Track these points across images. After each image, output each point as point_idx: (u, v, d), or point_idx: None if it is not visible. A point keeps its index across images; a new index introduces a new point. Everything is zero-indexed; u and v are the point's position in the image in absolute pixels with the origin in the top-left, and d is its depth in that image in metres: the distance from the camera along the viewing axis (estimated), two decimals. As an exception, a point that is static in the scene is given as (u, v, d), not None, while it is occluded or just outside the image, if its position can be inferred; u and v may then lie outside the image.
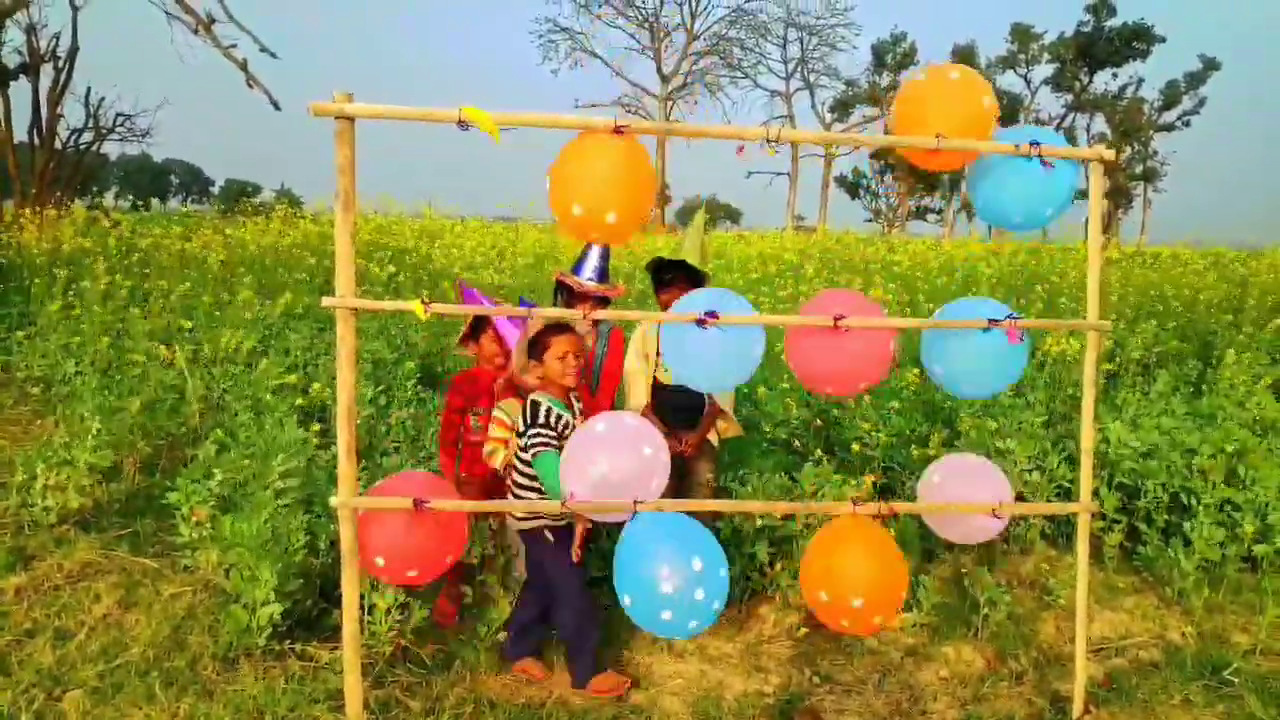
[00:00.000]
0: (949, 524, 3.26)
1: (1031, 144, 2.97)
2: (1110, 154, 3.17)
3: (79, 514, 4.62)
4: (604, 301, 4.13)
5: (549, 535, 3.44)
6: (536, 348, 3.41)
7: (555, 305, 4.09)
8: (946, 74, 3.10)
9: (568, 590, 3.47)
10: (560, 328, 3.40)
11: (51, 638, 3.55)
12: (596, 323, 4.20)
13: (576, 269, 4.13)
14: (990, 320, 3.04)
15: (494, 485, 3.89)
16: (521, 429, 3.38)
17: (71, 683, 3.27)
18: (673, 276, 3.97)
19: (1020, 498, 4.63)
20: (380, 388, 5.83)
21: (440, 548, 2.98)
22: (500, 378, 3.85)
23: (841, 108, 49.46)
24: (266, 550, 3.56)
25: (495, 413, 3.78)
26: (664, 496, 3.98)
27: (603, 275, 4.11)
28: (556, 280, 4.18)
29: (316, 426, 4.84)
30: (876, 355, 3.03)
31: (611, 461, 2.82)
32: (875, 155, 46.42)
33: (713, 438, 4.12)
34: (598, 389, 4.21)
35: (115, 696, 3.19)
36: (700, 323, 2.94)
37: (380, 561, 2.94)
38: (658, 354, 4.06)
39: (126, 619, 3.75)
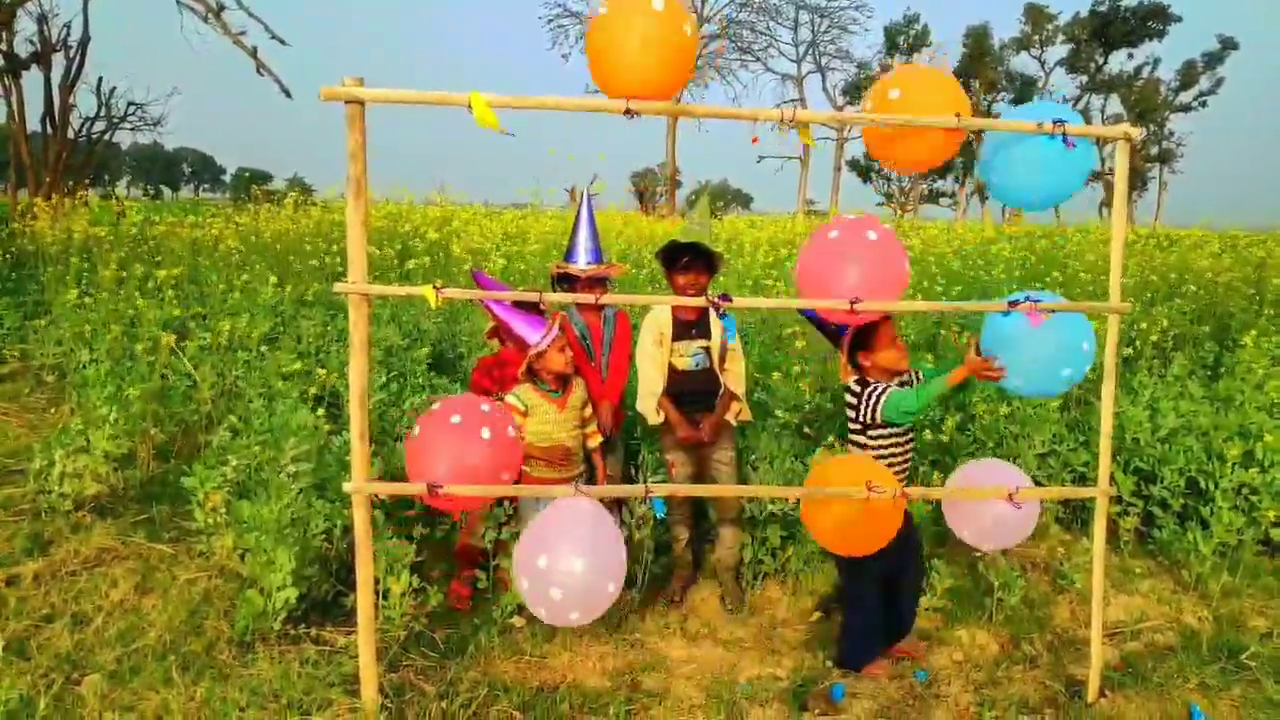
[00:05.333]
0: (971, 521, 3.25)
1: (1055, 122, 2.92)
2: (1137, 131, 3.11)
3: (95, 500, 4.66)
4: (603, 282, 4.11)
5: None
6: (867, 337, 3.36)
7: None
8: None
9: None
10: (883, 316, 3.35)
11: (69, 623, 3.59)
12: (601, 307, 4.18)
13: (570, 257, 4.10)
14: (1010, 302, 3.03)
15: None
16: (852, 413, 3.40)
17: (89, 667, 3.30)
18: (689, 259, 3.95)
19: (1036, 482, 4.60)
20: (392, 374, 5.83)
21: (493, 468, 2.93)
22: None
23: (854, 90, 49.10)
24: (284, 535, 3.58)
25: (509, 399, 3.78)
26: (685, 481, 4.01)
27: (598, 256, 4.09)
28: (555, 274, 4.15)
29: (323, 411, 4.85)
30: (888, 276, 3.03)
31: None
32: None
33: (730, 418, 4.11)
34: (607, 374, 4.19)
35: (132, 680, 3.22)
36: (715, 306, 2.94)
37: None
38: (673, 338, 4.04)
39: (143, 604, 3.79)
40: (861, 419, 3.37)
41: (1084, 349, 3.05)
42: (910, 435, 3.47)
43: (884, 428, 3.35)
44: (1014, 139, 3.03)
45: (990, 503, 3.14)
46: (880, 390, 3.29)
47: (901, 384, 3.42)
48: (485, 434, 2.88)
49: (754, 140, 3.06)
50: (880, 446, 3.39)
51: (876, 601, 3.54)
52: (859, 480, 2.98)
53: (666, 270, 4.05)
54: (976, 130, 3.00)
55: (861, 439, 3.42)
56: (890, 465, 3.37)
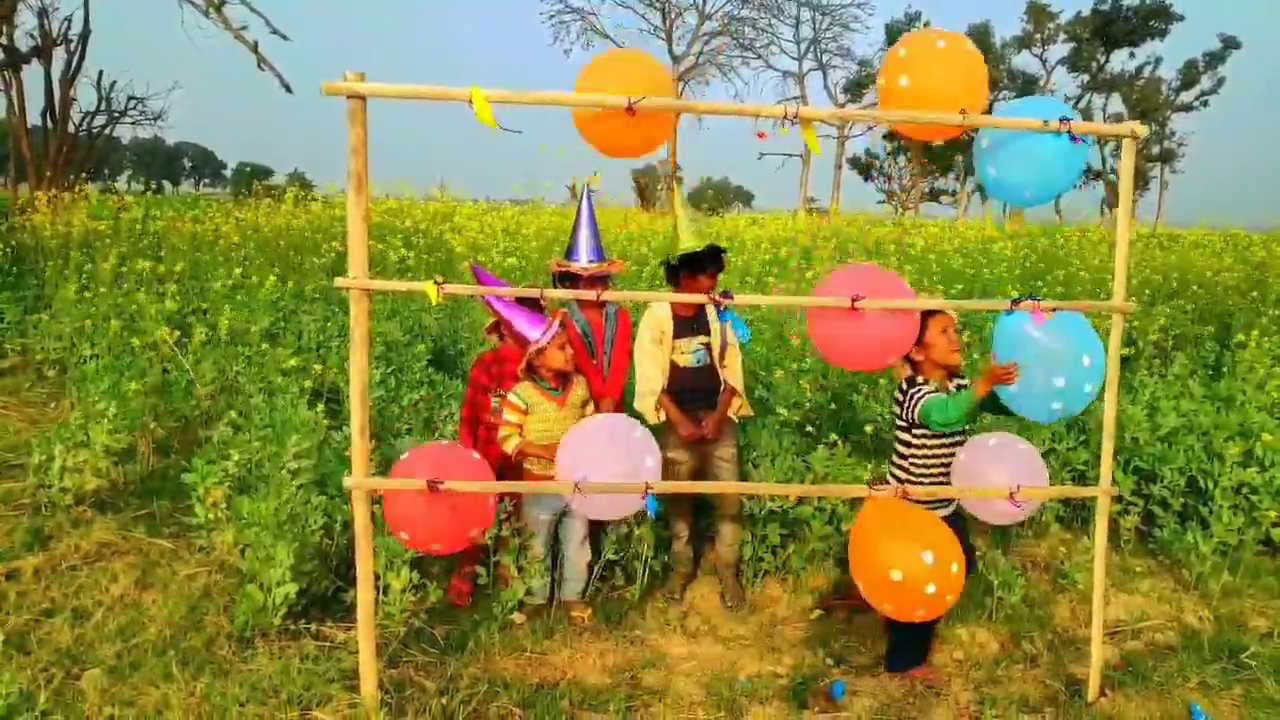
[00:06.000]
0: (976, 505, 3.24)
1: (1061, 119, 2.91)
2: (1143, 129, 3.10)
3: (95, 495, 4.65)
4: (605, 279, 4.10)
5: None
6: (919, 329, 3.32)
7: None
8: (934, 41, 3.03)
9: None
10: (931, 311, 3.34)
11: (69, 617, 3.58)
12: (603, 304, 4.17)
13: (571, 254, 4.08)
14: (1012, 303, 3.03)
15: (508, 468, 3.89)
16: (899, 409, 3.37)
17: (89, 662, 3.30)
18: (713, 261, 3.93)
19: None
20: (392, 369, 5.83)
21: (462, 522, 3.03)
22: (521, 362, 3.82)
23: (855, 88, 49.02)
24: (283, 530, 3.57)
25: (510, 397, 3.78)
26: (686, 479, 4.00)
27: (599, 254, 4.07)
28: (555, 271, 4.13)
29: (322, 407, 4.84)
30: (899, 327, 3.02)
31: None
32: (888, 136, 46.04)
33: (731, 415, 4.10)
34: (609, 371, 4.18)
35: (132, 675, 3.22)
36: (717, 304, 2.93)
37: (405, 536, 3.04)
38: (674, 336, 4.02)
39: (143, 599, 3.78)
40: (906, 418, 3.36)
41: (1085, 363, 2.97)
42: (957, 438, 3.40)
43: (926, 428, 3.33)
44: (1009, 135, 3.01)
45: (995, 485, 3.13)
46: (922, 392, 3.28)
47: (958, 383, 3.41)
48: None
49: (761, 135, 3.03)
50: (923, 446, 3.39)
51: None
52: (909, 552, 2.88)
53: (691, 274, 3.93)
54: (981, 126, 2.99)
55: (906, 437, 3.42)
56: (932, 466, 3.38)
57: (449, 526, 3.00)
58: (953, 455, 3.38)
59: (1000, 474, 3.14)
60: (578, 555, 3.95)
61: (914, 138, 3.22)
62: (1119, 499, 4.63)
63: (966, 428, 3.41)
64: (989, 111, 3.06)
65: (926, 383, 3.33)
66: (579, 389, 3.88)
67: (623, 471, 3.00)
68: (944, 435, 3.36)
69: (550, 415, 3.79)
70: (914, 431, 3.38)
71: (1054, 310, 3.00)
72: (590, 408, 3.94)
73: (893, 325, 3.01)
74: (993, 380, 3.05)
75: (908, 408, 3.32)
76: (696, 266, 3.92)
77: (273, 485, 3.79)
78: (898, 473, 3.46)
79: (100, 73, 17.65)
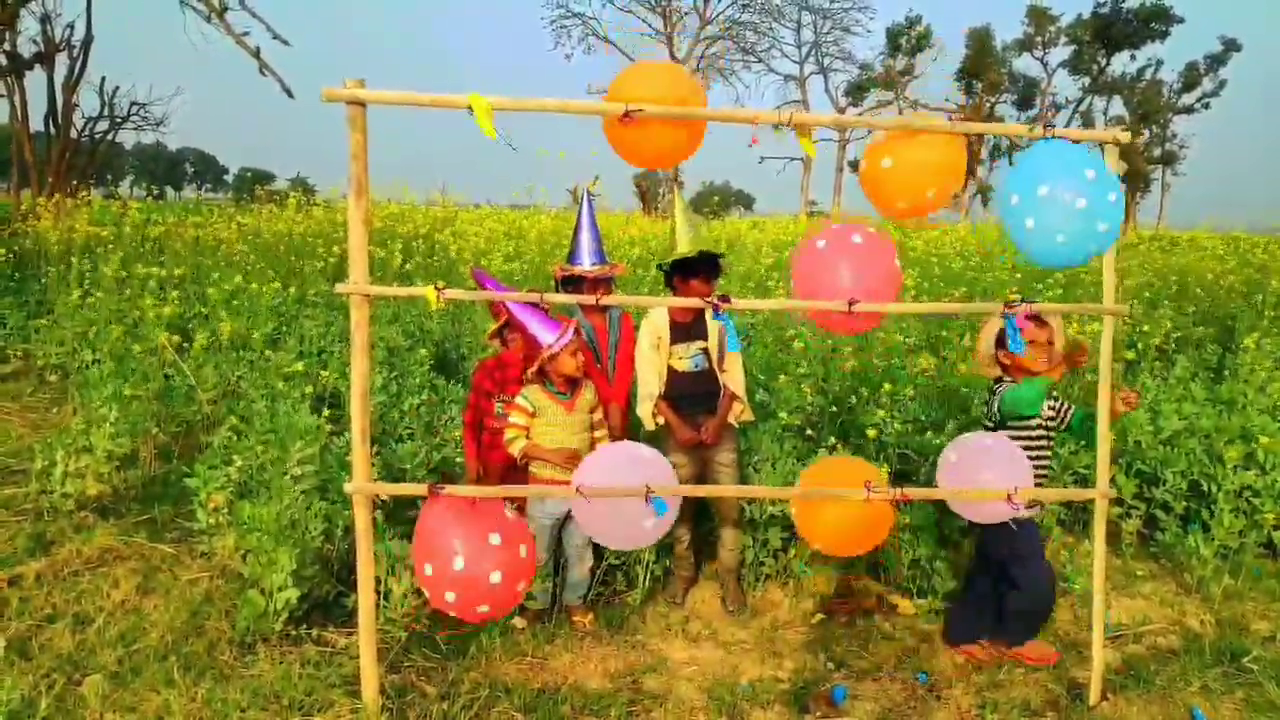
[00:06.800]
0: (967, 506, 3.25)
1: (1046, 125, 2.92)
2: (1126, 135, 3.12)
3: (97, 500, 4.66)
4: (608, 282, 4.12)
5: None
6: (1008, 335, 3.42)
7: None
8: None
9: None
10: (1032, 319, 3.43)
11: (71, 623, 3.59)
12: (606, 308, 4.18)
13: (574, 258, 4.10)
14: (1006, 305, 3.03)
15: (511, 472, 3.89)
16: (986, 410, 3.55)
17: (91, 667, 3.30)
18: (709, 266, 3.93)
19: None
20: (394, 374, 5.83)
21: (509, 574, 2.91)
22: (529, 367, 3.82)
23: (856, 91, 49.07)
24: (285, 536, 3.58)
25: (518, 400, 3.77)
26: (687, 483, 4.00)
27: (600, 257, 4.09)
28: (559, 276, 4.15)
29: (328, 413, 4.85)
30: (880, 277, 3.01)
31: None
32: (890, 140, 45.93)
33: (731, 420, 4.10)
34: (614, 376, 4.19)
35: (134, 681, 3.22)
36: (715, 308, 2.93)
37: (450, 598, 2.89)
38: (671, 341, 4.02)
39: (145, 604, 3.79)
40: (992, 417, 3.49)
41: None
42: (1043, 442, 3.51)
43: (1011, 429, 3.43)
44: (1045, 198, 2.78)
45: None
46: (1003, 387, 3.41)
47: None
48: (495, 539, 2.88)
49: (753, 141, 3.05)
50: None
51: (988, 586, 3.70)
52: (856, 480, 3.05)
53: (683, 279, 3.93)
54: (972, 132, 3.01)
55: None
56: None
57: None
58: (1044, 462, 3.52)
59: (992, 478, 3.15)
60: (580, 560, 3.95)
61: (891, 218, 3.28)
62: (1120, 502, 4.63)
63: (1050, 436, 3.53)
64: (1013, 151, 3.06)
65: (1014, 381, 3.44)
66: (587, 393, 3.87)
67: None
68: (1030, 439, 3.45)
69: (558, 420, 3.78)
70: (999, 433, 3.45)
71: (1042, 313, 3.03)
72: (599, 413, 3.93)
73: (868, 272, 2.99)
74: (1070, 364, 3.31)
75: (992, 406, 3.45)
76: (690, 272, 3.92)
77: (274, 490, 3.79)
78: None
79: (103, 78, 17.71)
